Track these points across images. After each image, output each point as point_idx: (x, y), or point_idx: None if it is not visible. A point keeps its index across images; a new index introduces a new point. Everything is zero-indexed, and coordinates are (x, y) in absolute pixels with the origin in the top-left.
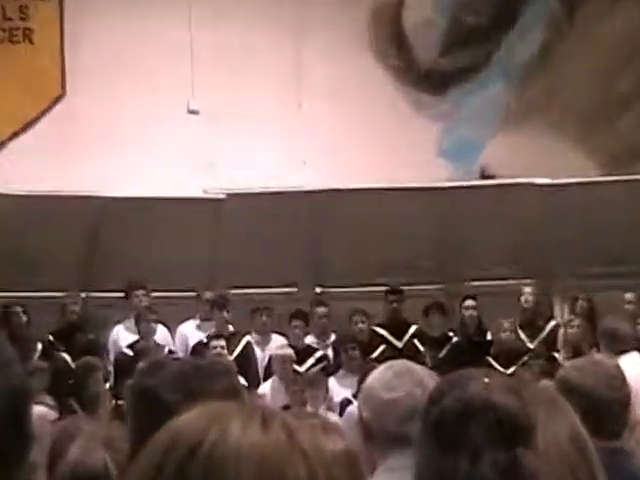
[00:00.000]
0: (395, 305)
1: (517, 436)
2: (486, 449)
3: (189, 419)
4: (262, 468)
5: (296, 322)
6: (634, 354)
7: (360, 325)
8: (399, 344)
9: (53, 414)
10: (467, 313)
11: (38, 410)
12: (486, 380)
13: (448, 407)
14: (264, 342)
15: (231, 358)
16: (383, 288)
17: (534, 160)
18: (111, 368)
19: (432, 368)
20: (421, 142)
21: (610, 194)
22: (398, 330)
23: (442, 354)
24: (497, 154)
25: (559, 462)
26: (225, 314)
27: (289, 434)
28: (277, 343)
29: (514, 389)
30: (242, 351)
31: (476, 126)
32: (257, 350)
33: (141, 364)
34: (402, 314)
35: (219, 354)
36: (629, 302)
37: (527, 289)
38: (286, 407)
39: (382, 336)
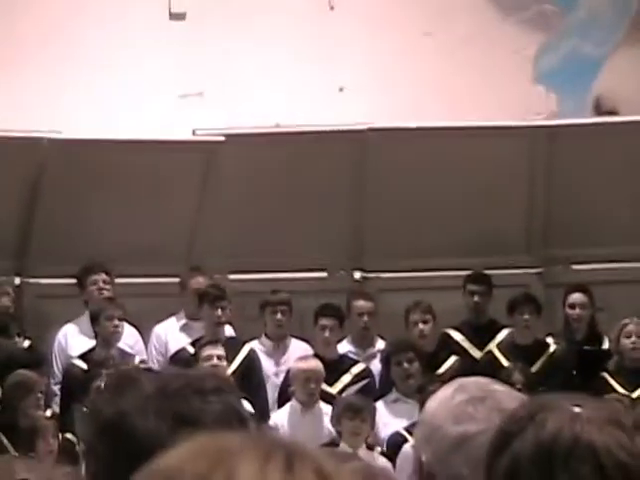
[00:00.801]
0: (476, 299)
1: None
2: None
3: (182, 460)
4: None
5: (325, 321)
6: None
7: (421, 326)
8: (478, 354)
9: None
10: (574, 313)
11: None
12: (575, 410)
13: (522, 453)
14: (279, 351)
15: (227, 373)
16: (453, 273)
17: None
18: (56, 387)
19: (522, 389)
20: (510, 62)
21: None
22: (481, 335)
23: (535, 369)
24: (621, 79)
25: None
26: (219, 312)
27: None
28: (297, 352)
29: (616, 420)
30: (242, 363)
31: (591, 38)
32: (269, 362)
33: (100, 381)
34: (487, 312)
35: (214, 366)
36: None
37: None
38: (329, 443)
39: (457, 343)
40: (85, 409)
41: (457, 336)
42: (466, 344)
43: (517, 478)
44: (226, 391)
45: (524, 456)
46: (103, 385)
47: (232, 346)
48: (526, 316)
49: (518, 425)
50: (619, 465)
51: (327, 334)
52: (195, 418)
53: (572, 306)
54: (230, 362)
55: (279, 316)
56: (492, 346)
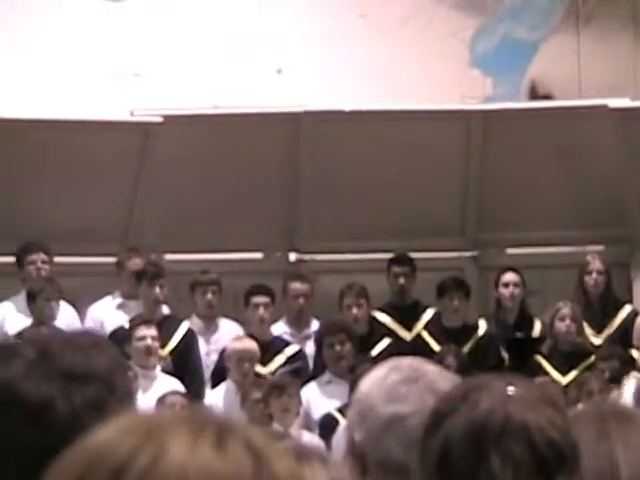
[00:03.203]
0: (402, 281)
1: (556, 465)
2: None
3: (110, 437)
4: None
5: (258, 299)
6: None
7: (355, 310)
8: (407, 336)
9: None
10: (506, 292)
11: None
12: (508, 390)
13: (455, 432)
14: (209, 331)
15: (165, 353)
16: (388, 256)
17: (611, 73)
18: None
19: (457, 371)
20: (446, 45)
21: None
22: (406, 316)
23: (466, 351)
24: (555, 64)
25: None
26: (157, 290)
27: (255, 457)
28: (228, 332)
29: (548, 400)
30: (181, 343)
31: (526, 22)
32: (200, 342)
33: None
34: (411, 293)
35: (148, 347)
36: None
37: (595, 260)
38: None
39: (384, 325)
40: None
41: (384, 318)
42: (394, 325)
43: (450, 457)
44: (105, 345)
45: (457, 435)
46: None
47: (169, 324)
48: (455, 302)
49: (451, 405)
50: (551, 443)
51: (261, 311)
52: (83, 373)
53: (505, 284)
54: (168, 340)
55: (209, 296)
56: (419, 328)
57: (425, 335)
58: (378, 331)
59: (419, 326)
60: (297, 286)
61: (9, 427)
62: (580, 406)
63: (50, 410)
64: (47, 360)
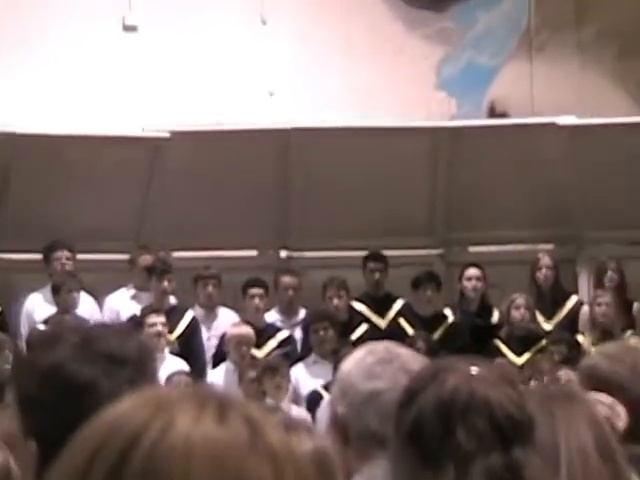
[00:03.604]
0: (377, 275)
1: (513, 435)
2: (477, 455)
3: (125, 409)
4: (217, 468)
5: (254, 291)
6: None
7: (336, 301)
8: (382, 323)
9: None
10: (469, 285)
11: None
12: (471, 370)
13: (426, 407)
14: (209, 318)
15: (172, 338)
16: (365, 253)
17: (559, 94)
18: (24, 346)
19: (426, 354)
20: (416, 70)
21: None
22: (381, 306)
23: (436, 337)
24: (511, 86)
25: (585, 476)
26: (166, 284)
27: (252, 428)
28: (226, 320)
29: (506, 378)
30: (186, 329)
31: (486, 50)
32: (201, 328)
33: (32, 338)
34: (384, 286)
35: (158, 333)
36: None
37: (545, 257)
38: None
39: (361, 313)
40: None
41: (360, 307)
42: (369, 314)
43: (421, 430)
44: (133, 333)
45: (427, 410)
46: (36, 341)
47: (176, 314)
48: (429, 292)
49: (422, 383)
50: (509, 417)
51: (257, 301)
52: (120, 357)
53: (469, 278)
54: (174, 328)
55: (210, 289)
56: (391, 316)
57: (402, 321)
58: (356, 318)
59: (391, 314)
60: (287, 279)
61: (60, 403)
62: (532, 383)
63: (95, 389)
64: (89, 345)
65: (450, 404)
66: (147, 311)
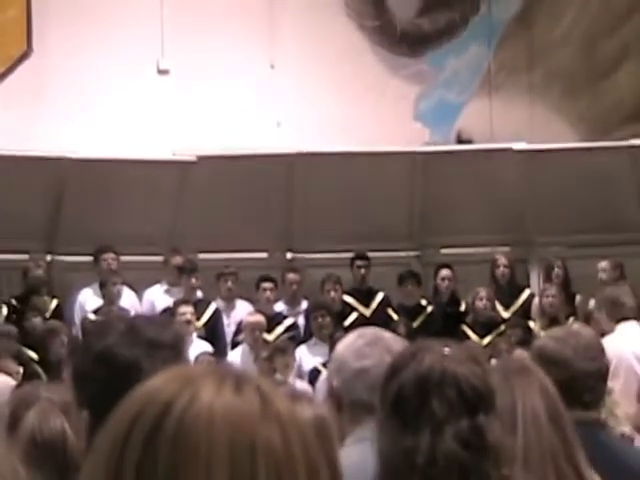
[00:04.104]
0: (362, 272)
1: (478, 404)
2: (448, 421)
3: (159, 383)
4: (235, 432)
5: (266, 285)
6: (633, 322)
7: (332, 293)
8: (367, 312)
9: (11, 381)
10: (443, 284)
11: None
12: (444, 350)
13: (406, 381)
14: (229, 308)
15: (199, 325)
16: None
17: (513, 124)
18: (78, 333)
19: (406, 337)
20: (397, 105)
21: (590, 161)
22: (365, 298)
23: (416, 324)
24: (475, 118)
25: (538, 443)
26: (193, 280)
27: (263, 398)
28: (243, 309)
29: (472, 357)
30: (211, 318)
31: (454, 89)
32: (223, 317)
33: (85, 325)
34: (368, 281)
35: (187, 320)
36: (603, 270)
37: (502, 257)
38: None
39: (349, 304)
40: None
41: (349, 299)
42: (356, 304)
43: (402, 400)
44: (170, 322)
45: (407, 384)
46: (90, 329)
47: (202, 305)
48: (409, 287)
49: (403, 361)
50: (474, 389)
51: (268, 293)
52: (159, 342)
53: (442, 278)
54: (200, 316)
55: (229, 284)
56: (374, 306)
57: (389, 310)
58: (347, 309)
59: (374, 305)
60: (291, 276)
61: (109, 379)
62: (493, 361)
63: (138, 367)
64: (133, 332)
65: (426, 379)
66: (179, 302)
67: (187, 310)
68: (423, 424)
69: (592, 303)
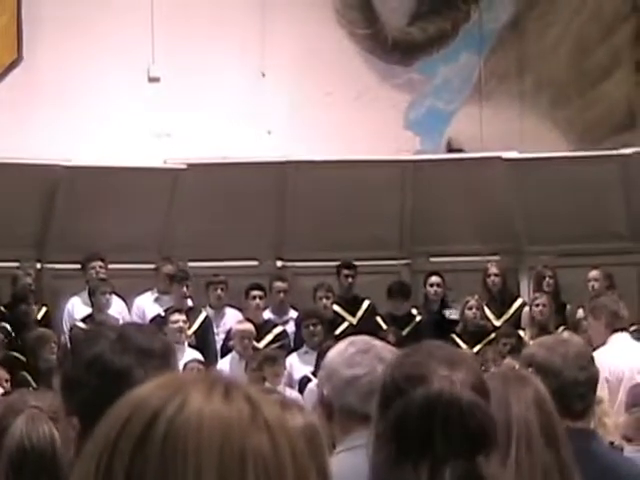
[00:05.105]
0: (350, 280)
1: (480, 443)
2: (448, 460)
3: (149, 390)
4: (224, 438)
5: (255, 293)
6: (625, 333)
7: (324, 301)
8: (353, 320)
9: (0, 389)
10: (432, 290)
11: None
12: (453, 378)
13: (411, 409)
14: (218, 317)
15: (190, 333)
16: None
17: (503, 133)
18: (67, 341)
19: (395, 345)
20: (388, 113)
21: (579, 171)
22: (351, 306)
23: (405, 332)
24: (465, 127)
25: (530, 458)
26: (185, 288)
27: (252, 406)
28: (232, 317)
29: (480, 386)
30: (201, 326)
31: (444, 97)
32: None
33: (77, 334)
34: (354, 290)
35: (180, 328)
36: (595, 280)
37: (492, 266)
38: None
39: (337, 312)
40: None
41: (336, 307)
42: (343, 312)
43: (405, 428)
44: (158, 331)
45: (413, 406)
46: (81, 337)
47: (192, 313)
48: (397, 301)
49: (408, 375)
50: (478, 425)
51: (257, 301)
52: (149, 350)
53: (431, 285)
54: (191, 324)
55: (219, 292)
56: (360, 314)
57: (378, 319)
58: (337, 317)
59: (360, 313)
60: (278, 284)
61: (100, 386)
62: (482, 368)
63: (129, 375)
64: (124, 340)
65: (432, 410)
66: (171, 311)
67: (179, 318)
68: (423, 460)
69: (580, 312)
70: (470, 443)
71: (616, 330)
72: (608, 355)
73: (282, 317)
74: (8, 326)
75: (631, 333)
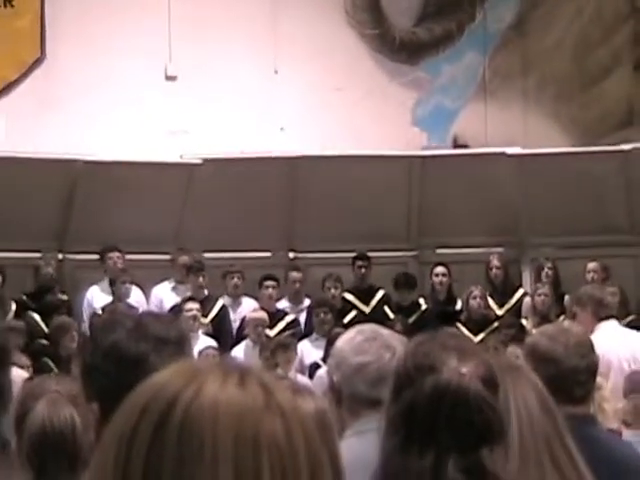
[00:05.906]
0: (363, 271)
1: (485, 438)
2: (452, 451)
3: (165, 377)
4: (239, 424)
5: (269, 283)
6: (614, 321)
7: (333, 291)
8: (367, 309)
9: (24, 374)
10: (437, 280)
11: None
12: (462, 370)
13: (421, 392)
14: (235, 305)
15: (206, 321)
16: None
17: (507, 130)
18: (86, 329)
19: (402, 334)
20: (396, 110)
21: (581, 166)
22: (365, 296)
23: (412, 320)
24: (470, 123)
25: (531, 430)
26: (200, 279)
27: (266, 391)
28: (248, 306)
29: (490, 379)
30: (218, 314)
31: (450, 95)
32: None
33: (94, 321)
34: (369, 280)
35: (194, 317)
36: (594, 271)
37: (495, 258)
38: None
39: (350, 302)
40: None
41: (349, 297)
42: (357, 302)
43: (413, 417)
44: (174, 320)
45: (423, 395)
46: (99, 325)
47: (209, 302)
48: (403, 293)
49: (419, 364)
50: (484, 418)
51: (270, 291)
52: (165, 337)
53: (437, 275)
54: (208, 313)
55: (235, 280)
56: (374, 303)
57: (385, 308)
58: (347, 306)
59: (374, 302)
60: (294, 275)
61: (118, 373)
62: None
63: (145, 362)
64: (141, 328)
65: (443, 395)
66: (185, 299)
67: (193, 307)
68: (428, 449)
69: (567, 299)
70: (475, 435)
71: (603, 318)
72: (596, 343)
73: (298, 306)
74: (36, 315)
75: (629, 323)
